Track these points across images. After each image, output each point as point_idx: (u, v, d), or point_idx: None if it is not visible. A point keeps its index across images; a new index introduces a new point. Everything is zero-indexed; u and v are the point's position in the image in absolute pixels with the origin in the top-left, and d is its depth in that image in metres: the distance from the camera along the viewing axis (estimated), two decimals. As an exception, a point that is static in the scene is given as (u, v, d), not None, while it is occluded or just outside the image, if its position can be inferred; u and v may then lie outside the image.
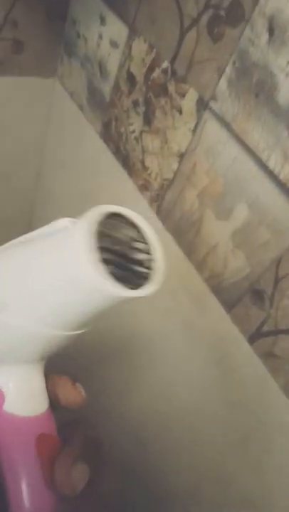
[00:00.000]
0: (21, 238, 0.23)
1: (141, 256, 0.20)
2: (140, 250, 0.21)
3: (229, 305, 0.40)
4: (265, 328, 0.37)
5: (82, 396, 0.26)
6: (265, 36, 0.31)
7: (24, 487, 0.23)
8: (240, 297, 0.39)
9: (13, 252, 0.22)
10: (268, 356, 0.38)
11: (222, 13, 0.34)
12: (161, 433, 0.54)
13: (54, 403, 0.26)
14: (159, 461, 0.55)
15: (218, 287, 0.41)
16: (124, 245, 0.20)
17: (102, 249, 0.19)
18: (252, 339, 0.39)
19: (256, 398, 0.40)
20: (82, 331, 0.22)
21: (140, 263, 0.20)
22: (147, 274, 0.20)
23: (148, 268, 0.20)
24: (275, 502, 0.40)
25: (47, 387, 0.26)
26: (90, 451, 0.24)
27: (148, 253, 0.21)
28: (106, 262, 0.19)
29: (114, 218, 0.20)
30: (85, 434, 0.25)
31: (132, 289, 0.19)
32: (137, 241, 0.21)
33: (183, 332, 0.48)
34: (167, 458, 0.54)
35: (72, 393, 0.26)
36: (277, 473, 0.40)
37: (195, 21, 0.37)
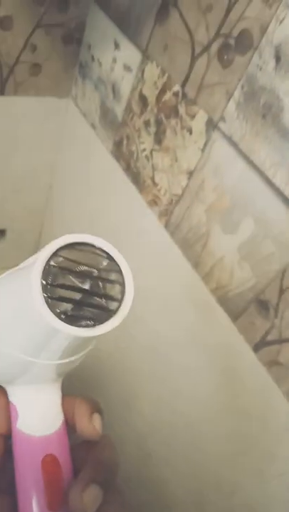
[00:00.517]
0: (10, 270, 0.23)
1: (110, 287, 0.20)
2: (112, 281, 0.20)
3: (235, 315, 0.42)
4: (270, 338, 0.39)
5: (96, 432, 0.24)
6: (272, 63, 0.34)
7: (28, 505, 0.23)
8: (245, 307, 0.41)
9: None
10: (273, 364, 0.39)
11: (231, 41, 0.37)
12: (166, 442, 0.55)
13: (70, 426, 0.25)
14: (162, 470, 0.56)
15: (224, 298, 0.43)
16: (90, 279, 0.20)
17: (63, 286, 0.19)
18: (257, 348, 0.40)
19: (260, 406, 0.42)
20: (69, 360, 0.22)
21: (109, 296, 0.20)
22: (113, 308, 0.20)
23: (120, 299, 0.20)
24: (278, 510, 0.41)
25: (67, 408, 0.25)
26: (104, 475, 0.23)
27: (120, 283, 0.20)
28: (64, 299, 0.19)
29: (84, 248, 0.20)
30: (101, 457, 0.24)
31: (96, 324, 0.19)
32: (109, 270, 0.20)
33: (188, 341, 0.49)
34: (171, 466, 0.55)
35: (87, 427, 0.24)
36: (281, 481, 0.41)
37: (206, 48, 0.39)
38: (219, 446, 0.48)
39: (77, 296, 0.19)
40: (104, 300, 0.19)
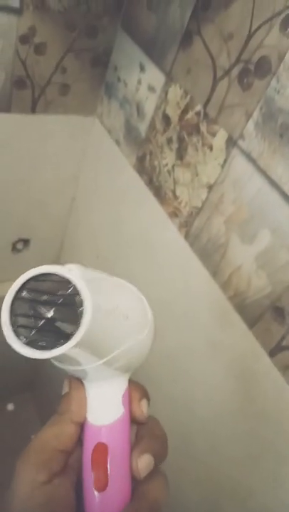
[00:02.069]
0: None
1: (72, 311, 0.22)
2: (75, 305, 0.22)
3: (251, 321, 0.44)
4: (285, 343, 0.41)
5: (143, 416, 0.28)
6: None
7: (83, 485, 0.27)
8: (262, 314, 0.43)
9: None
10: (288, 369, 0.41)
11: (251, 67, 0.40)
12: (181, 446, 0.56)
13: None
14: (178, 474, 0.57)
15: (241, 305, 0.45)
16: (53, 305, 0.22)
17: (27, 315, 0.22)
18: (272, 353, 0.43)
19: (275, 410, 0.43)
20: (95, 364, 0.25)
21: (69, 320, 0.22)
22: (69, 331, 0.22)
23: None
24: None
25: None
26: (157, 447, 0.27)
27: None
28: (28, 326, 0.22)
29: (49, 277, 0.22)
30: (153, 433, 0.28)
31: (54, 347, 0.22)
32: (74, 295, 0.22)
33: (206, 347, 0.51)
34: (186, 471, 0.56)
35: (136, 410, 0.28)
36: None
37: (227, 73, 0.43)
38: (235, 449, 0.50)
39: (40, 322, 0.22)
40: (65, 324, 0.22)
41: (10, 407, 1.16)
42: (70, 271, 0.22)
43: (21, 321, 0.22)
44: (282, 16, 0.36)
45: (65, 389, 0.29)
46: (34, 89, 0.60)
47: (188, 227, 0.52)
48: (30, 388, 1.15)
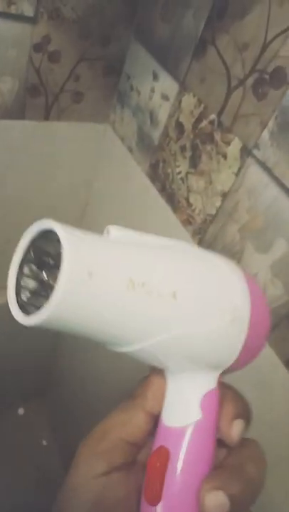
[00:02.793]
0: None
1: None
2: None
3: (267, 330, 0.44)
4: (301, 352, 0.41)
5: (231, 440, 0.23)
6: (304, 97, 0.37)
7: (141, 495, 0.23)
8: (277, 323, 0.43)
9: None
10: (304, 378, 0.41)
11: (266, 76, 0.40)
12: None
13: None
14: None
15: (256, 313, 0.45)
16: (47, 267, 0.20)
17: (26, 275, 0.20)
18: (288, 362, 0.42)
19: (291, 419, 0.43)
20: (133, 348, 0.21)
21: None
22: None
23: None
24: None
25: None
26: (246, 411, 0.24)
27: None
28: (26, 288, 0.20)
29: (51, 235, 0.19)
30: (234, 392, 0.24)
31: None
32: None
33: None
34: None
35: (224, 431, 0.23)
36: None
37: (241, 82, 0.43)
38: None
39: (34, 284, 0.20)
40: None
41: (20, 411, 1.17)
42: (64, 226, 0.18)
43: (24, 282, 0.20)
44: (299, 27, 0.36)
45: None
46: (48, 96, 0.60)
47: (202, 234, 0.52)
48: (42, 394, 1.16)
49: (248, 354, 0.23)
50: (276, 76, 0.39)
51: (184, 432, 0.22)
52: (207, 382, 0.23)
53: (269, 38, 0.39)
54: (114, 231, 0.21)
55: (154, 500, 0.21)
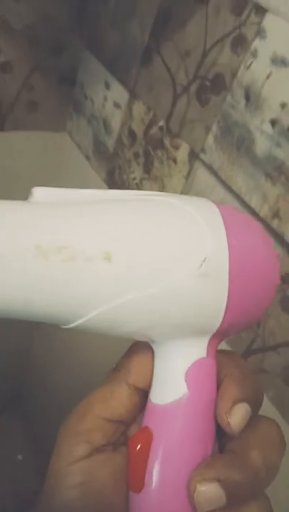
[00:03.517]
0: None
1: None
2: None
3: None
4: (255, 346, 0.42)
5: (231, 429, 0.18)
6: (242, 102, 0.39)
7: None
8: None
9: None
10: (258, 372, 0.43)
11: (207, 83, 0.42)
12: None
13: None
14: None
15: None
16: None
17: None
18: (243, 357, 0.44)
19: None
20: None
21: None
22: None
23: None
24: None
25: (218, 375, 0.20)
26: (251, 391, 0.19)
27: None
28: None
29: None
30: (244, 371, 0.20)
31: None
32: None
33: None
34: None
35: (221, 417, 0.19)
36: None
37: (185, 89, 0.44)
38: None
39: None
40: None
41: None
42: None
43: None
44: (232, 36, 0.38)
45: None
46: (2, 107, 0.61)
47: (159, 238, 0.53)
48: (14, 405, 1.14)
49: (241, 313, 0.19)
50: (216, 82, 0.41)
51: (168, 410, 0.19)
52: (195, 351, 0.20)
53: (208, 45, 0.41)
54: (38, 192, 0.18)
55: (137, 487, 0.19)
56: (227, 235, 0.18)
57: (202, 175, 0.44)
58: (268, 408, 0.42)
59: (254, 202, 0.39)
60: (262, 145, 0.38)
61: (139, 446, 0.19)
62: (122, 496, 0.20)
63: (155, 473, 0.19)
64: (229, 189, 0.41)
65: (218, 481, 0.17)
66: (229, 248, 0.18)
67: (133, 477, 0.19)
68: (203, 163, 0.44)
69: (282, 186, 0.36)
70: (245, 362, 0.21)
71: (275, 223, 0.38)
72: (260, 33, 0.36)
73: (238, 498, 0.18)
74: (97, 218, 0.18)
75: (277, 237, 0.38)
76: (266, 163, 0.37)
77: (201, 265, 0.17)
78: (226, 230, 0.18)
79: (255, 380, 0.20)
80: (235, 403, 0.19)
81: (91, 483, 0.20)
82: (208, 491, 0.17)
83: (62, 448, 0.20)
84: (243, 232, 0.19)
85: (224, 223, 0.18)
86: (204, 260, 0.17)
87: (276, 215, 0.38)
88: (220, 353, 0.21)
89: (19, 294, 0.17)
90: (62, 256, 0.16)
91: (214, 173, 0.43)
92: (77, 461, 0.20)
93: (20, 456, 1.11)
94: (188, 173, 0.46)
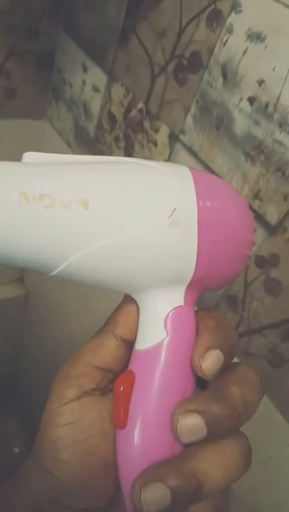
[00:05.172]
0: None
1: None
2: None
3: (208, 312, 0.45)
4: (240, 329, 0.42)
5: (205, 373, 0.20)
6: (220, 80, 0.38)
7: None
8: (217, 304, 0.44)
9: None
10: (245, 355, 0.42)
11: (184, 62, 0.41)
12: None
13: None
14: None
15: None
16: None
17: None
18: (229, 341, 0.43)
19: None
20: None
21: None
22: None
23: None
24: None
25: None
26: (224, 339, 0.21)
27: None
28: None
29: None
30: (219, 322, 0.22)
31: None
32: None
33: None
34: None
35: (194, 361, 0.20)
36: (262, 468, 0.43)
37: (163, 69, 0.43)
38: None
39: None
40: None
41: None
42: None
43: None
44: (207, 12, 0.37)
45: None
46: (-21, 95, 0.59)
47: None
48: (10, 398, 1.14)
49: (213, 265, 0.21)
50: (193, 61, 0.40)
51: (149, 354, 0.21)
52: (172, 299, 0.21)
53: (184, 23, 0.40)
54: (28, 157, 0.20)
55: (121, 424, 0.21)
56: (196, 189, 0.20)
57: (183, 157, 0.43)
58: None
59: (235, 183, 0.39)
60: (241, 124, 0.37)
61: (122, 387, 0.21)
62: (109, 436, 0.22)
63: (137, 411, 0.21)
64: (210, 170, 0.41)
65: (200, 412, 0.19)
66: (197, 201, 0.20)
67: (118, 414, 0.21)
68: (184, 145, 0.43)
69: (262, 166, 0.36)
70: (221, 314, 0.23)
71: (256, 204, 0.37)
72: (236, 7, 0.35)
73: (217, 430, 0.19)
74: (77, 172, 0.20)
75: (259, 218, 0.37)
76: (245, 143, 0.37)
77: (171, 214, 0.19)
78: (194, 185, 0.20)
79: (229, 330, 0.22)
80: (208, 349, 0.20)
81: (79, 423, 0.22)
82: (190, 422, 0.19)
83: (56, 391, 0.23)
84: (212, 189, 0.21)
85: (194, 180, 0.21)
86: (174, 210, 0.19)
87: (257, 196, 0.37)
88: (201, 309, 0.23)
89: (5, 238, 0.18)
90: (44, 202, 0.18)
91: (194, 154, 0.42)
92: (68, 403, 0.22)
93: (16, 449, 1.11)
94: (169, 156, 0.45)
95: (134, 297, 0.23)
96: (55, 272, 0.20)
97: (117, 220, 0.19)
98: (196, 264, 0.20)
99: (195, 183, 0.20)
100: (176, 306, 0.21)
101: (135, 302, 0.23)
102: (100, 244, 0.19)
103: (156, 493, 0.18)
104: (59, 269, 0.20)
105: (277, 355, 0.39)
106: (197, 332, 0.21)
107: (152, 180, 0.20)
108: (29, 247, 0.19)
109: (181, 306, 0.21)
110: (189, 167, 0.22)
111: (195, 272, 0.21)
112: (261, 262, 0.38)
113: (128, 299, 0.23)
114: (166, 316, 0.21)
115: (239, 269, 0.22)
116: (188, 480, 0.19)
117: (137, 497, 0.19)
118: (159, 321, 0.21)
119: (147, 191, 0.20)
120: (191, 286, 0.21)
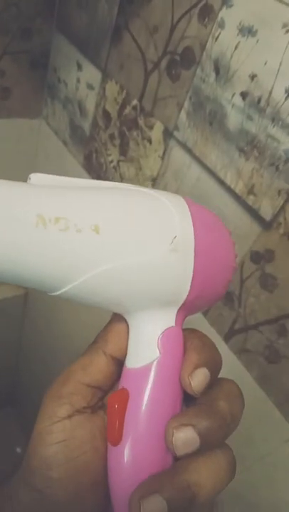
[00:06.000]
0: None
1: None
2: None
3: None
4: (237, 326, 0.42)
5: (193, 390, 0.21)
6: (213, 75, 0.37)
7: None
8: (213, 300, 0.44)
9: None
10: (242, 352, 0.42)
11: (177, 58, 0.40)
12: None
13: None
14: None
15: (194, 294, 0.46)
16: None
17: None
18: (227, 338, 0.43)
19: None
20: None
21: None
22: None
23: None
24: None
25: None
26: (210, 358, 0.22)
27: None
28: None
29: None
30: (204, 341, 0.23)
31: None
32: None
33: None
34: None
35: (185, 381, 0.21)
36: (261, 465, 0.43)
37: (156, 65, 0.43)
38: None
39: None
40: None
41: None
42: None
43: None
44: (199, 7, 0.36)
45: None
46: (-26, 95, 0.59)
47: (139, 221, 0.52)
48: (11, 403, 1.14)
49: (205, 287, 0.22)
50: (186, 56, 0.39)
51: (142, 372, 0.22)
52: (164, 320, 0.23)
53: (175, 18, 0.39)
54: (35, 177, 0.21)
55: (115, 441, 0.22)
56: (192, 219, 0.22)
57: (177, 153, 0.43)
58: (252, 387, 0.42)
59: (229, 178, 0.39)
60: (234, 119, 0.37)
61: (116, 405, 0.22)
62: (100, 452, 0.22)
63: (132, 427, 0.22)
64: (204, 166, 0.40)
65: (193, 426, 0.20)
66: (194, 230, 0.22)
67: (112, 431, 0.22)
68: (178, 141, 0.43)
69: (255, 161, 0.35)
70: (205, 335, 0.24)
71: (250, 200, 0.37)
72: (227, 1, 0.34)
73: (209, 442, 0.20)
74: (89, 198, 0.21)
75: (254, 213, 0.37)
76: (239, 138, 0.36)
77: (172, 241, 0.21)
78: (191, 215, 0.22)
79: (213, 349, 0.23)
80: (196, 368, 0.21)
81: (71, 440, 0.22)
82: (184, 435, 0.20)
83: (46, 410, 0.23)
84: (205, 219, 0.23)
85: (190, 211, 0.22)
86: (174, 237, 0.21)
87: (251, 191, 0.37)
88: (185, 329, 0.24)
89: (18, 256, 0.19)
90: (59, 226, 0.19)
91: (189, 151, 0.42)
92: (60, 421, 0.22)
93: (19, 449, 1.11)
94: (164, 153, 0.45)
95: (125, 316, 0.23)
96: (57, 293, 0.21)
97: (124, 245, 0.20)
98: (191, 286, 0.22)
99: (191, 213, 0.22)
100: (168, 326, 0.23)
101: (125, 320, 0.24)
102: (105, 268, 0.20)
103: (155, 505, 0.19)
104: (63, 290, 0.20)
105: (274, 352, 0.39)
106: (184, 351, 0.23)
107: (156, 209, 0.22)
108: (38, 268, 0.19)
109: (172, 326, 0.23)
110: (183, 196, 0.23)
111: (189, 293, 0.22)
112: (256, 257, 0.38)
113: (118, 317, 0.24)
114: (160, 337, 0.22)
115: (222, 293, 0.24)
116: (183, 491, 0.20)
117: (136, 510, 0.19)
118: (152, 341, 0.22)
119: (152, 220, 0.21)
120: (182, 308, 0.23)
